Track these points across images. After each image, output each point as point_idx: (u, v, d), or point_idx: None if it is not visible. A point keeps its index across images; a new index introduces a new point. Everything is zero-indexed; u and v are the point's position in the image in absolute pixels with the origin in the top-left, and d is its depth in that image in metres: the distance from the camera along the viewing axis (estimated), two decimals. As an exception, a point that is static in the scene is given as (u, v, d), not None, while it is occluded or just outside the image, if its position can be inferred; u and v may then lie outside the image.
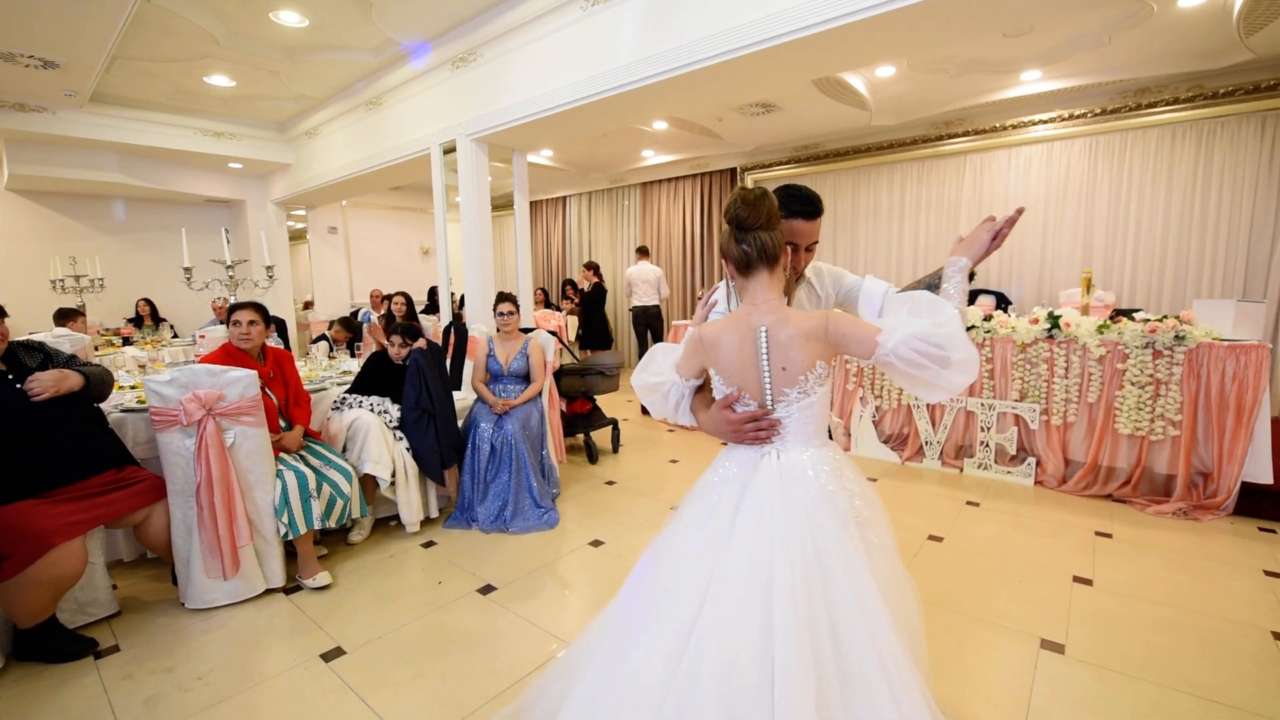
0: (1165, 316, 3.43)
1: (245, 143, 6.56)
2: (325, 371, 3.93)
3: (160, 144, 6.11)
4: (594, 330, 7.97)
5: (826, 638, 1.21)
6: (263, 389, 2.66)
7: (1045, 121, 5.22)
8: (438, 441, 3.30)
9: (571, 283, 8.60)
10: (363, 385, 3.42)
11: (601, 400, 5.37)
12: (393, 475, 3.14)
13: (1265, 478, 3.20)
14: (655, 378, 1.60)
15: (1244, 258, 4.57)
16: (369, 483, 3.15)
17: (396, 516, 3.30)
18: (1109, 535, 3.13)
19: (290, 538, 2.61)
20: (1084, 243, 5.24)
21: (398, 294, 6.20)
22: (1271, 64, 4.28)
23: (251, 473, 2.54)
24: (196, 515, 2.45)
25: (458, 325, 4.62)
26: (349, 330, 5.30)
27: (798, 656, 1.17)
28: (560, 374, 4.52)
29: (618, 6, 3.61)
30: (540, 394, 3.82)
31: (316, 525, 2.67)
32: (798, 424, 1.38)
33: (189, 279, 3.75)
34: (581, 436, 4.70)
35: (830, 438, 1.70)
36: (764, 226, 1.37)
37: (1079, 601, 2.53)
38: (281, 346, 3.76)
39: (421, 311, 7.11)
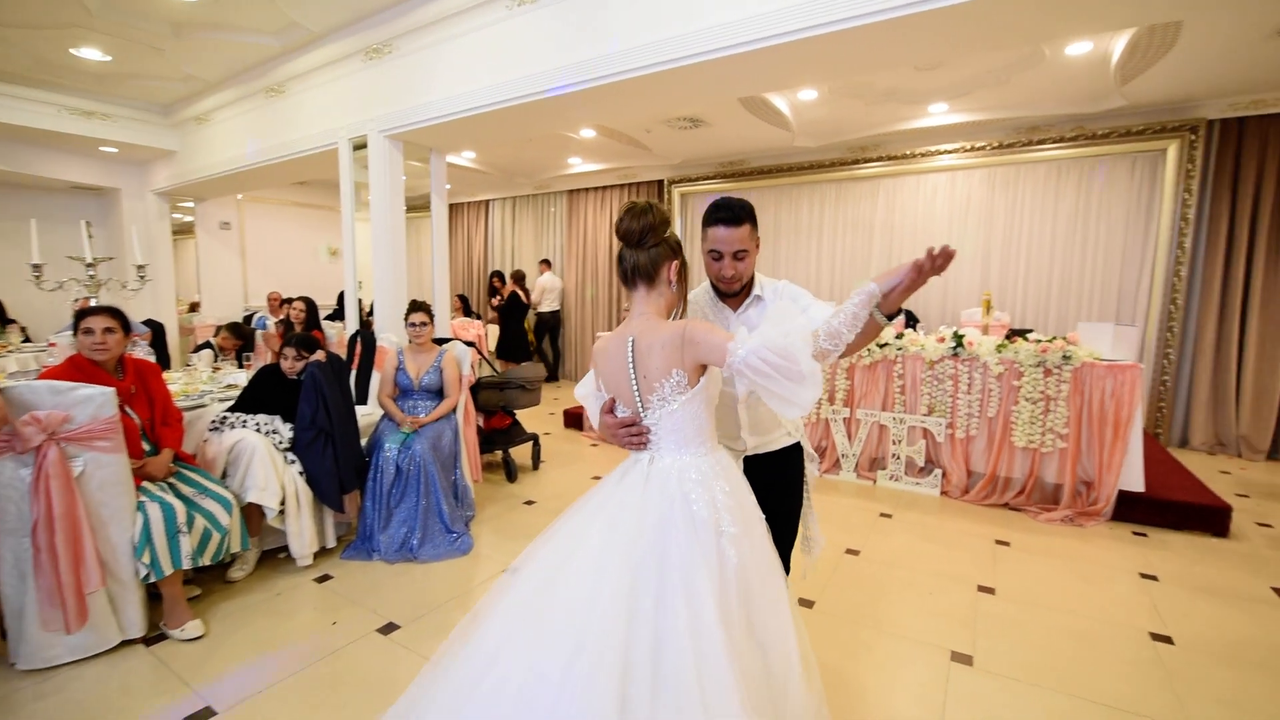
0: (1055, 337, 3.70)
1: (121, 125, 5.87)
2: (206, 385, 3.52)
3: (16, 121, 5.34)
4: (511, 341, 7.74)
5: (646, 643, 1.20)
6: (121, 408, 2.31)
7: (950, 151, 5.57)
8: (336, 464, 3.01)
9: (499, 274, 8.34)
10: (248, 402, 3.07)
11: (522, 414, 5.17)
12: (282, 503, 2.83)
13: (1138, 486, 3.50)
14: (583, 388, 1.69)
15: (1117, 283, 5.04)
16: (254, 512, 2.82)
17: (286, 548, 2.98)
18: (1007, 543, 3.31)
19: (152, 580, 2.27)
20: (983, 266, 5.62)
21: (298, 299, 5.71)
22: (1142, 110, 4.77)
23: (105, 506, 2.19)
24: (32, 558, 2.08)
25: (365, 334, 4.31)
26: (238, 337, 4.81)
27: (611, 654, 1.17)
28: (478, 387, 4.30)
29: (543, 10, 3.49)
30: (454, 411, 3.60)
31: (186, 565, 2.34)
32: (666, 431, 1.42)
33: (38, 277, 3.24)
34: (500, 453, 4.48)
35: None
36: (639, 245, 1.46)
37: (984, 611, 2.63)
38: (152, 357, 3.32)
39: (328, 318, 6.61)
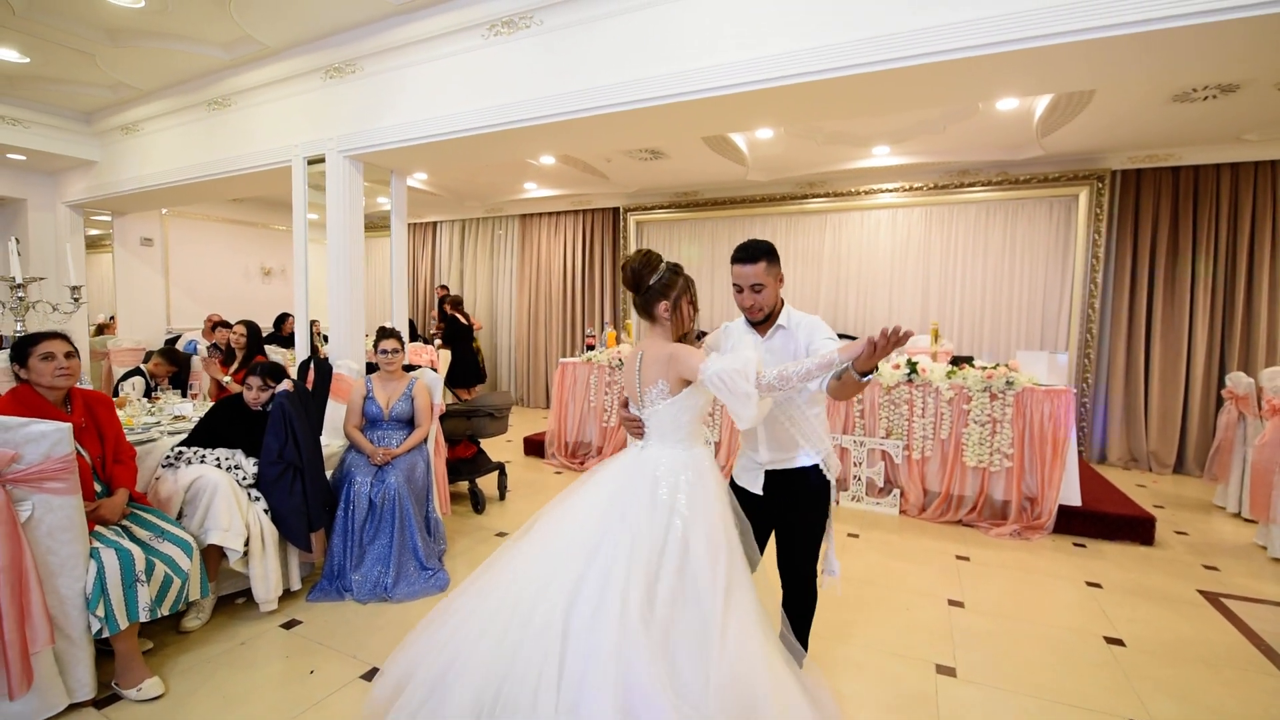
0: (998, 364, 4.02)
1: (34, 131, 5.37)
2: (148, 417, 3.24)
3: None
4: (461, 366, 7.52)
5: (597, 572, 1.65)
6: (74, 445, 2.09)
7: (891, 190, 5.98)
8: (305, 501, 2.83)
9: (445, 288, 8.13)
10: (204, 435, 2.85)
11: (484, 443, 5.03)
12: (246, 544, 2.63)
13: (1075, 500, 3.82)
14: None
15: (1040, 314, 5.54)
16: (213, 555, 2.60)
17: (245, 592, 2.76)
18: (967, 558, 3.51)
19: (105, 635, 2.05)
20: (923, 297, 6.03)
21: (238, 323, 5.35)
22: (1057, 160, 5.33)
23: (55, 554, 1.96)
24: (-37, 617, 1.83)
25: (319, 362, 4.10)
26: (172, 363, 4.45)
27: (569, 586, 1.65)
28: (444, 416, 4.16)
29: (522, 41, 3.53)
30: (425, 440, 3.48)
31: (144, 617, 2.12)
32: (653, 426, 1.84)
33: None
34: (466, 484, 4.34)
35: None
36: (636, 290, 1.86)
37: (957, 624, 2.77)
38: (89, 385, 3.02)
39: (266, 341, 6.21)
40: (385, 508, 3.09)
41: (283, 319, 7.61)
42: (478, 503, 4.25)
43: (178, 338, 6.62)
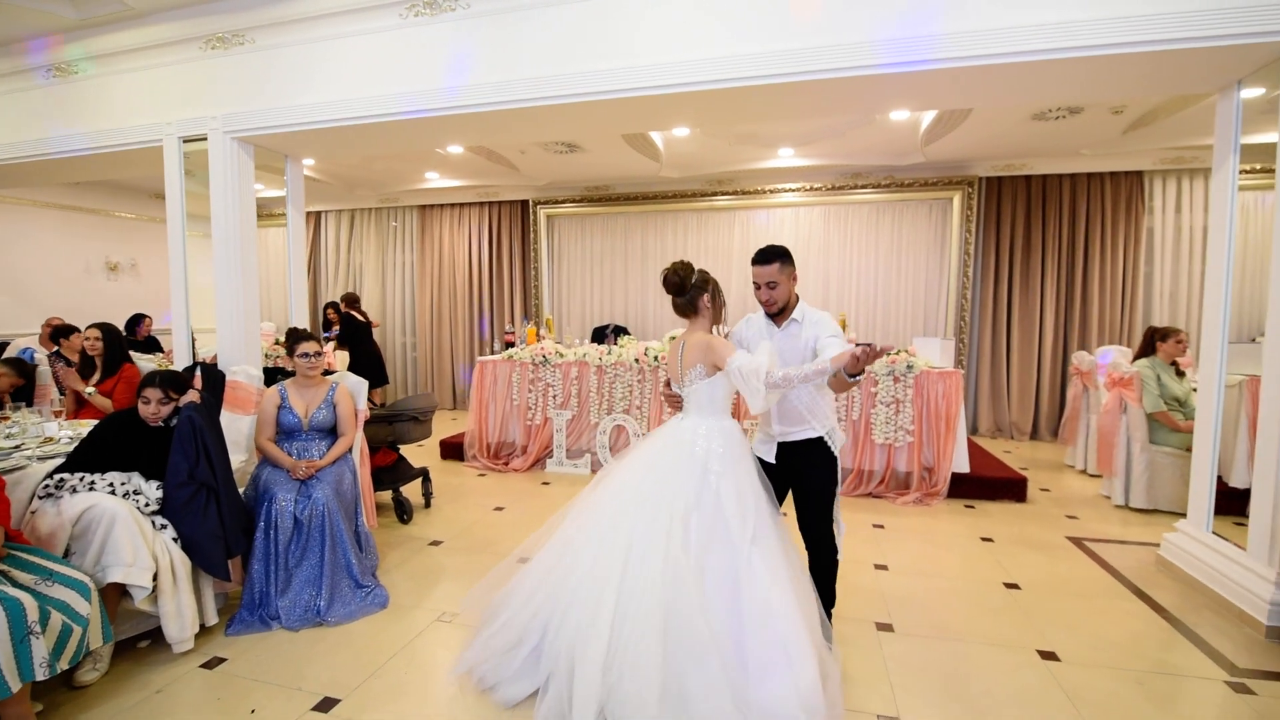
0: (899, 350, 4.44)
1: None
2: (3, 440, 2.72)
3: None
4: (362, 367, 7.01)
5: (664, 517, 2.01)
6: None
7: (793, 190, 6.38)
8: (222, 524, 2.53)
9: (335, 305, 7.48)
10: (90, 458, 2.46)
11: (401, 449, 4.75)
12: (154, 578, 2.31)
13: (965, 468, 4.34)
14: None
15: (924, 304, 6.19)
16: (111, 595, 2.26)
17: (150, 634, 2.43)
18: (882, 526, 3.87)
19: (-9, 703, 1.72)
20: (824, 289, 6.50)
21: (90, 327, 4.59)
22: (936, 167, 5.97)
23: (-81, 614, 1.61)
24: None
25: (207, 369, 3.67)
26: (19, 375, 3.76)
27: (630, 524, 2.04)
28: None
29: (444, 25, 3.35)
30: (351, 450, 3.24)
31: (41, 675, 1.81)
32: (692, 402, 2.21)
33: None
34: (389, 494, 4.07)
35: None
36: (680, 293, 2.22)
37: (886, 586, 3.06)
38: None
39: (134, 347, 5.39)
40: (313, 525, 2.84)
41: (137, 320, 6.67)
42: (403, 512, 4.01)
43: (3, 346, 5.58)
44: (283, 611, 2.68)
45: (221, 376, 3.61)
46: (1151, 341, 4.21)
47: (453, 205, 7.86)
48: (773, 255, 2.21)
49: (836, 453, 2.25)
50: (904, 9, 2.73)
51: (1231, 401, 3.22)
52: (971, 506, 4.24)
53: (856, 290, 6.43)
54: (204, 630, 2.56)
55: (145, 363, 4.95)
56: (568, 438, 5.12)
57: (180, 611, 2.39)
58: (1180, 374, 4.17)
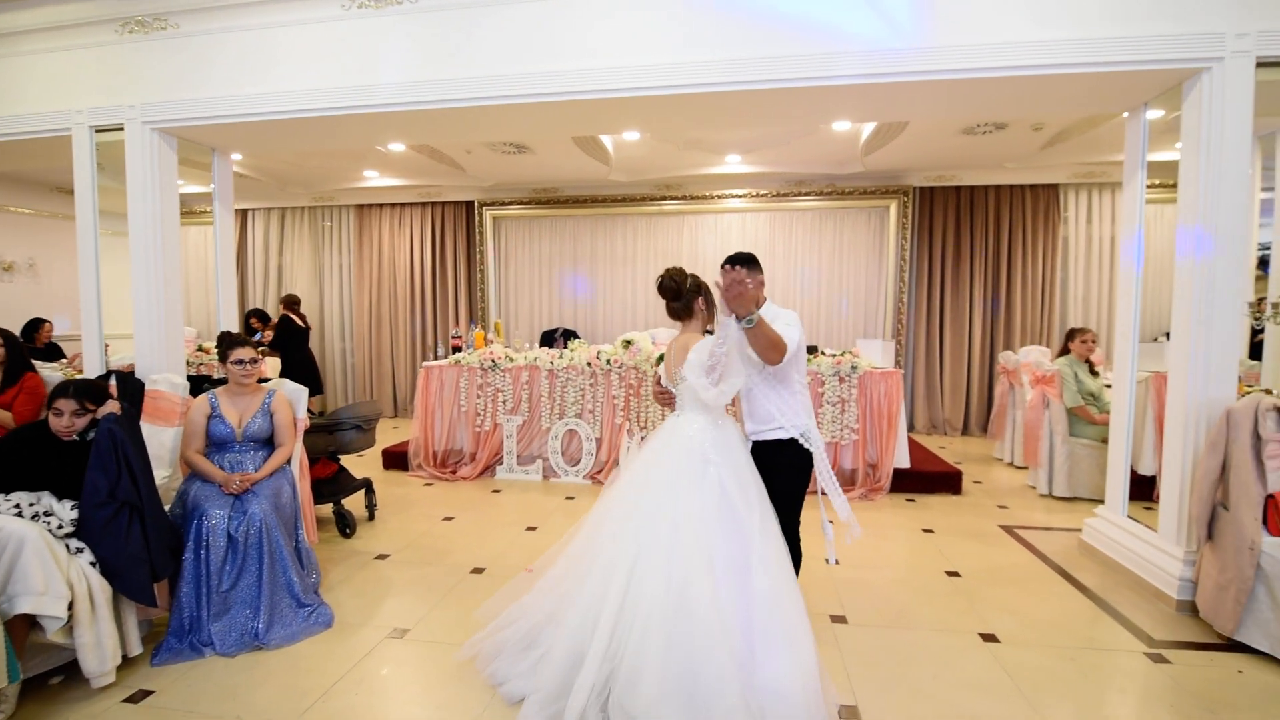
0: (844, 352, 4.61)
1: None
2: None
3: None
4: (296, 374, 6.63)
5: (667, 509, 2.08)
6: None
7: (740, 196, 6.52)
8: (147, 546, 2.34)
9: (260, 313, 7.07)
10: (-10, 476, 2.22)
11: (343, 459, 4.53)
12: (70, 607, 2.10)
13: (905, 463, 4.54)
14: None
15: (864, 307, 6.45)
16: (19, 628, 2.04)
17: (63, 669, 2.22)
18: (831, 521, 3.98)
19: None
20: (770, 294, 6.65)
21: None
22: (874, 176, 6.24)
23: None
24: None
25: (124, 377, 3.41)
26: (-104, 387, 3.33)
27: (637, 522, 2.10)
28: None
29: (390, 18, 3.25)
30: (289, 461, 3.06)
31: (-64, 721, 1.61)
32: (683, 400, 2.29)
33: None
34: (330, 507, 3.87)
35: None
36: (676, 299, 2.33)
37: (838, 579, 3.16)
38: None
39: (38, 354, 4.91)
40: (250, 542, 2.66)
41: (35, 325, 6.11)
42: (346, 525, 3.83)
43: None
44: (217, 637, 2.50)
45: (140, 386, 3.36)
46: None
47: (393, 205, 7.59)
48: (737, 260, 2.24)
49: (815, 452, 2.27)
50: (854, 25, 2.85)
51: (1139, 397, 3.51)
52: (912, 500, 4.44)
53: (801, 294, 6.63)
54: (127, 661, 2.35)
55: (50, 372, 4.52)
56: (518, 444, 5.03)
57: (100, 642, 2.19)
58: (1094, 372, 4.52)
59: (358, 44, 3.30)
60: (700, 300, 2.33)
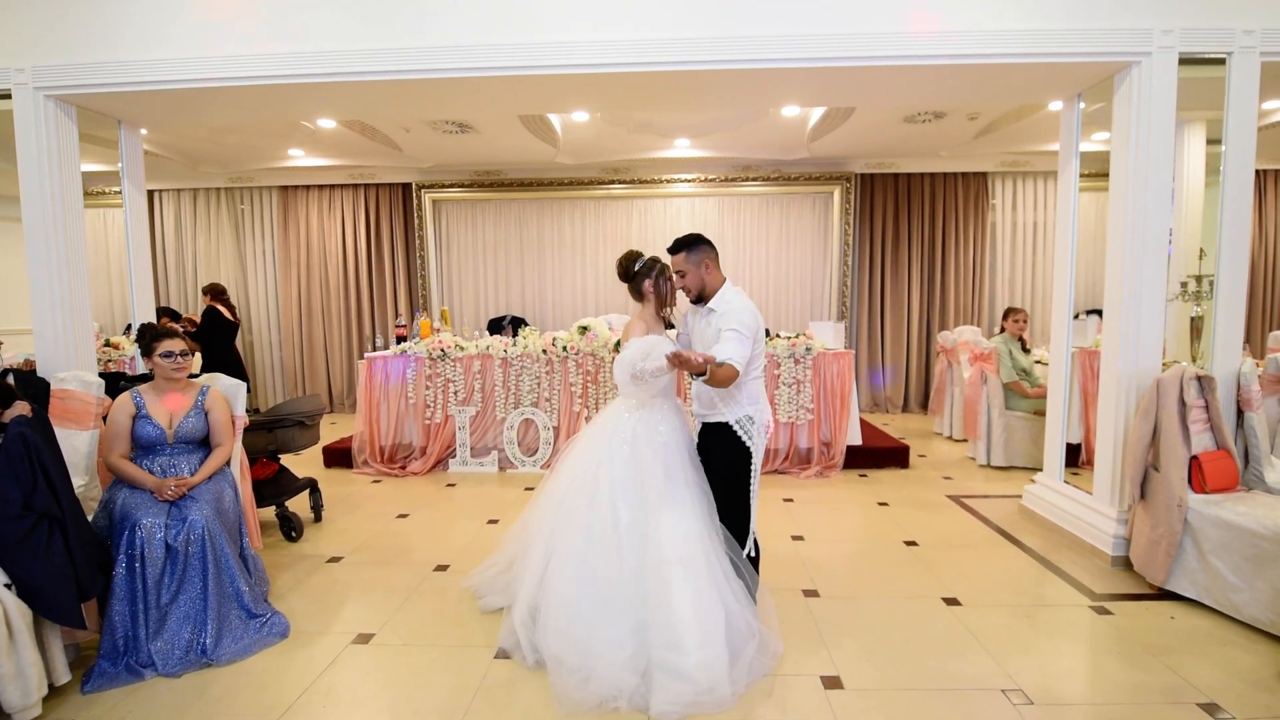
0: (799, 334, 4.71)
1: None
2: None
3: None
4: (218, 368, 6.09)
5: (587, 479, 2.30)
6: None
7: (688, 180, 6.52)
8: (71, 561, 2.09)
9: (170, 311, 6.48)
10: None
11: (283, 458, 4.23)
12: (-19, 636, 1.85)
13: (858, 440, 4.71)
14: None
15: (810, 290, 6.62)
16: (-83, 664, 1.78)
17: (-21, 705, 1.94)
18: (791, 499, 4.10)
19: None
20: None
21: None
22: (819, 162, 6.38)
23: None
24: None
25: (23, 377, 3.05)
26: None
27: (566, 484, 2.37)
28: (240, 430, 3.39)
29: (326, -23, 3.00)
30: (229, 462, 2.82)
31: None
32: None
33: None
34: (272, 510, 3.60)
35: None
36: (628, 279, 2.42)
37: (805, 554, 3.23)
38: None
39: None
40: (191, 552, 2.43)
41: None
42: (291, 529, 3.58)
43: None
44: (158, 657, 2.28)
45: (44, 385, 3.00)
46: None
47: (321, 186, 7.12)
48: (679, 245, 2.30)
49: (750, 443, 2.23)
50: (809, 7, 2.86)
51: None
52: (865, 475, 4.62)
53: (750, 278, 6.72)
54: (54, 691, 2.10)
55: (-76, 373, 3.97)
56: (472, 435, 4.86)
57: (22, 672, 1.94)
58: (1026, 349, 4.83)
59: (286, 6, 3.03)
60: (648, 283, 2.37)
